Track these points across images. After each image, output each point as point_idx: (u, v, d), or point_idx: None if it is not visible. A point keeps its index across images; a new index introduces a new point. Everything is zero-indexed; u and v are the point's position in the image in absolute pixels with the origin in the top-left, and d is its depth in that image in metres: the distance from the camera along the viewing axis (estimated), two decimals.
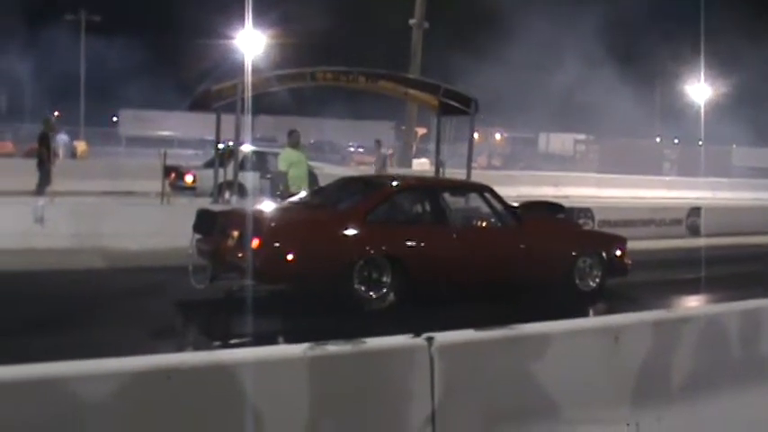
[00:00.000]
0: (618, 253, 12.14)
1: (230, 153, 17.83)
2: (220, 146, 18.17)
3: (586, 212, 19.10)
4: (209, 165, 20.24)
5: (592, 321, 5.63)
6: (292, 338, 4.37)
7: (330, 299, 9.90)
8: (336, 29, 62.08)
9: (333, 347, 4.36)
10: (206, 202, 14.86)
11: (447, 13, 46.24)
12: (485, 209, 11.54)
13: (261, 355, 4.30)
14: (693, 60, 54.37)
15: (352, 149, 58.75)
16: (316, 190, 12.79)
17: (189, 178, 20.62)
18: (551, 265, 11.58)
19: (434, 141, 21.88)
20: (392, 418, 4.52)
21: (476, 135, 21.24)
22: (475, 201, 11.91)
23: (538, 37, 51.59)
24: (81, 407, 3.69)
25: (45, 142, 19.64)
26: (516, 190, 26.57)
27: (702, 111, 54.67)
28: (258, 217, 10.30)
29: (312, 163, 18.17)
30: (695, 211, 21.92)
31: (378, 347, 4.52)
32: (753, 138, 71.12)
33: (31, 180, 19.52)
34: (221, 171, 17.23)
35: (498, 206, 11.46)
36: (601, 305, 11.47)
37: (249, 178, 18.81)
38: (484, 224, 11.57)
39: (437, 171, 18.76)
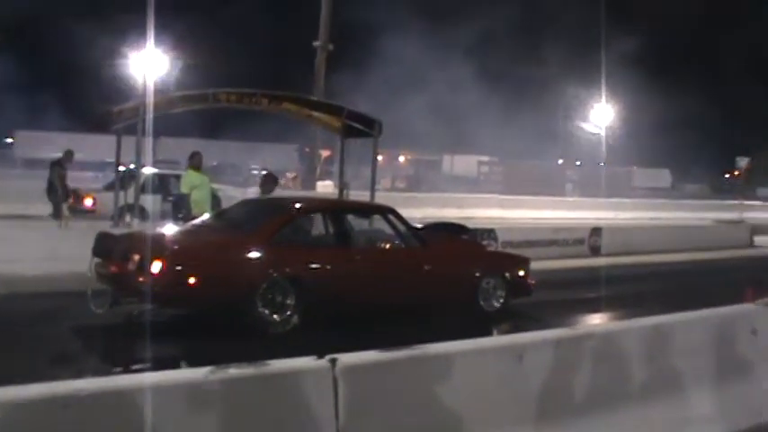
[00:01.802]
0: (521, 273, 12.30)
1: (131, 175, 17.53)
2: (121, 168, 17.84)
3: (490, 233, 19.29)
4: (109, 187, 19.87)
5: (495, 341, 5.68)
6: (195, 363, 4.27)
7: (233, 322, 9.77)
8: (240, 50, 61.85)
9: (235, 370, 4.31)
10: (106, 226, 14.54)
11: (347, 37, 46.46)
12: (389, 230, 11.59)
13: (162, 380, 4.22)
14: (596, 84, 55.68)
15: (255, 172, 58.42)
16: (218, 212, 12.64)
17: (89, 201, 20.22)
18: (455, 285, 11.66)
19: (338, 163, 21.88)
20: None
21: (380, 157, 21.31)
22: (379, 223, 11.95)
23: (444, 60, 52.27)
24: None
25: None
26: (421, 211, 26.70)
27: (603, 133, 56.02)
28: (160, 240, 10.17)
29: (215, 185, 17.99)
30: (596, 231, 22.37)
31: (281, 370, 4.47)
32: (652, 159, 73.23)
33: None
34: (122, 194, 16.91)
35: (402, 228, 11.52)
36: (505, 325, 11.57)
37: (150, 201, 18.51)
38: (387, 246, 11.60)
39: (341, 193, 18.75)
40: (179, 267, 9.57)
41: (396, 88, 48.56)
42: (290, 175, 51.37)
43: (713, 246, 24.65)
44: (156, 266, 9.35)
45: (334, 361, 4.55)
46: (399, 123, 37.61)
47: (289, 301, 10.01)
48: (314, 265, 10.43)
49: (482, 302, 11.79)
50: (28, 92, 63.31)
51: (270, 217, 10.98)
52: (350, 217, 11.60)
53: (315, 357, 4.59)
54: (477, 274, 11.82)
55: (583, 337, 6.21)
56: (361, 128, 17.72)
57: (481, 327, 11.03)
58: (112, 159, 18.37)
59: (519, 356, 5.47)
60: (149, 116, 15.31)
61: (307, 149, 44.30)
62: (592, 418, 5.74)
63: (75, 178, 25.66)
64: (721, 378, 6.78)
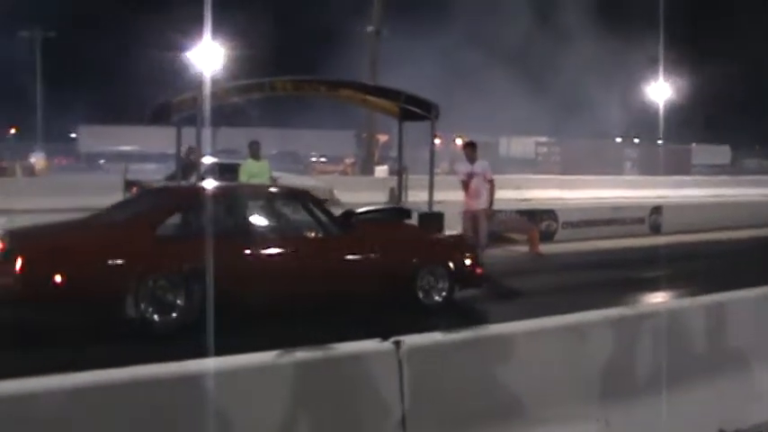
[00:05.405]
0: (467, 262, 10.96)
1: (192, 165, 17.70)
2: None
3: (550, 214, 19.25)
4: (171, 178, 20.12)
5: (556, 321, 5.68)
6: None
7: (111, 323, 8.78)
8: (294, 38, 62.08)
9: (302, 354, 4.38)
10: None
11: (399, 19, 46.38)
12: (304, 218, 10.34)
13: (232, 364, 4.30)
14: (654, 60, 54.87)
15: (314, 159, 58.75)
16: (115, 204, 11.20)
17: None
18: (385, 276, 10.28)
19: (396, 148, 21.86)
20: (363, 423, 4.55)
21: (437, 141, 21.23)
22: (295, 209, 10.55)
23: (500, 39, 51.86)
24: None
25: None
26: None
27: (662, 110, 55.20)
28: (25, 234, 9.45)
29: (275, 173, 18.10)
30: (657, 209, 22.20)
31: (346, 353, 4.54)
32: (712, 136, 71.95)
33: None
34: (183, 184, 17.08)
35: (320, 214, 10.34)
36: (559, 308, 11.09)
37: None
38: (301, 235, 10.25)
39: (399, 178, 18.74)
40: (43, 264, 8.62)
41: (446, 70, 48.33)
42: (348, 161, 51.48)
43: None
44: (17, 264, 8.44)
45: (398, 343, 4.60)
46: (453, 106, 37.42)
47: (178, 301, 8.98)
48: (208, 259, 8.84)
49: (421, 296, 10.47)
50: (87, 87, 64.50)
51: (157, 206, 10.04)
52: (258, 204, 10.40)
53: (379, 340, 4.65)
54: (415, 261, 10.53)
55: (643, 315, 6.21)
56: (419, 111, 17.66)
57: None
58: (173, 151, 18.62)
59: (581, 335, 5.49)
60: (207, 106, 15.44)
61: (364, 135, 44.21)
62: (658, 395, 5.75)
63: (137, 171, 26.12)
64: None
